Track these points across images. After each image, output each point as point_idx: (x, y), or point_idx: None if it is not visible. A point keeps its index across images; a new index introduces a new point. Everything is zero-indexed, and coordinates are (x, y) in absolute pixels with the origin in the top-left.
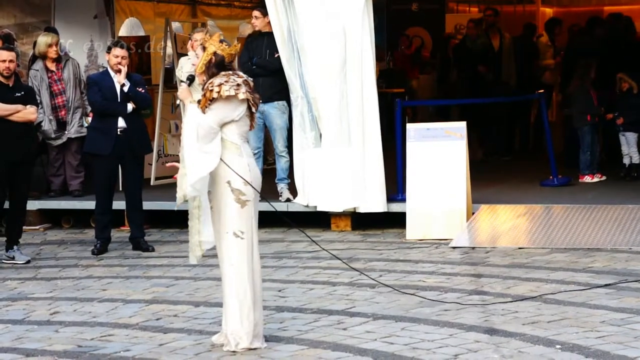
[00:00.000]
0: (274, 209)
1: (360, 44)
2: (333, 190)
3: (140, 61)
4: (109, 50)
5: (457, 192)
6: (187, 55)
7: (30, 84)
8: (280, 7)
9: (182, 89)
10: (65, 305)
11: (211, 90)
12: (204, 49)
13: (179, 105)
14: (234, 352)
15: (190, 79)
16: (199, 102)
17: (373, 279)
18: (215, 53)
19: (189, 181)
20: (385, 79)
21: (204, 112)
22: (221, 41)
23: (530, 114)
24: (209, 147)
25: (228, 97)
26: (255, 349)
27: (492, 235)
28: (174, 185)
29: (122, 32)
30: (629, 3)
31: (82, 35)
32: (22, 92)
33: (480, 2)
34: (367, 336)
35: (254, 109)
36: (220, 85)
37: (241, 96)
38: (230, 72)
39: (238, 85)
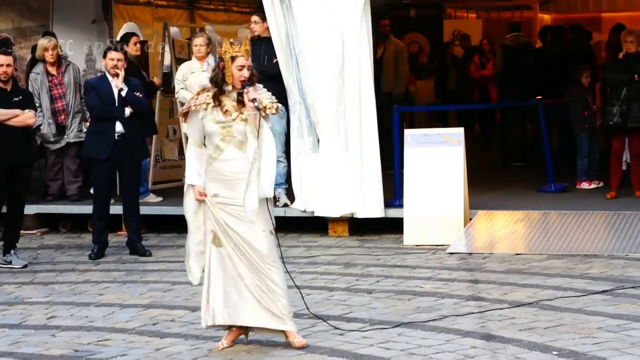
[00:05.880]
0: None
1: (358, 50)
2: (330, 195)
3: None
4: (105, 54)
5: (454, 198)
6: (185, 60)
7: (30, 88)
8: (279, 12)
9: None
10: (62, 309)
11: (270, 107)
12: (233, 59)
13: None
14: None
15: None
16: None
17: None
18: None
19: (270, 185)
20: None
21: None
22: (231, 43)
23: (526, 121)
24: None
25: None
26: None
27: (490, 241)
28: (171, 190)
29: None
30: (627, 9)
31: (80, 39)
32: (20, 97)
33: (478, 9)
34: (364, 342)
35: None
36: (272, 102)
37: (274, 112)
38: (261, 85)
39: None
